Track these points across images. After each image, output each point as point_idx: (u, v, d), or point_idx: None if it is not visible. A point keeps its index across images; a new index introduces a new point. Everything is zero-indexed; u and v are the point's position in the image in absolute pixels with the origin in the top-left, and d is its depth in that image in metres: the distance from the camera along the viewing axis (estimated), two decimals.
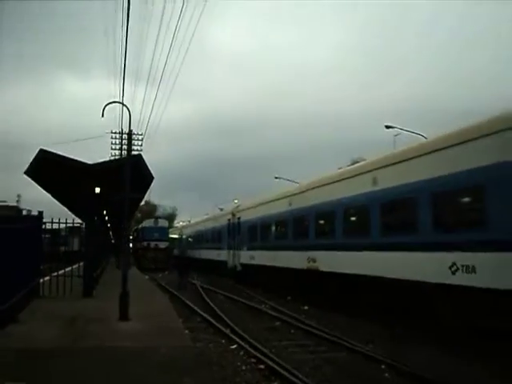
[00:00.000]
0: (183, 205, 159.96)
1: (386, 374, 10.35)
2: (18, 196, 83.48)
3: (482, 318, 12.22)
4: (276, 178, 60.83)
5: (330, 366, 10.98)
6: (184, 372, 8.84)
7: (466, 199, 13.15)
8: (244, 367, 10.42)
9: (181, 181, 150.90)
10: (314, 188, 21.85)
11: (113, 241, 59.58)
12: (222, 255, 38.81)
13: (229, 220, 37.16)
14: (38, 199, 31.28)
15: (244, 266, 32.82)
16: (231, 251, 35.77)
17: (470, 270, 12.29)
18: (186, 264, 33.40)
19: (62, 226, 19.59)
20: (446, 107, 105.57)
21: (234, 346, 12.57)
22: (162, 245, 52.82)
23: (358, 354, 12.07)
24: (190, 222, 79.64)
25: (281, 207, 25.61)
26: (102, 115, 14.90)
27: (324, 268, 20.33)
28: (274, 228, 27.09)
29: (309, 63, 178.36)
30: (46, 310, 15.24)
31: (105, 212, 32.38)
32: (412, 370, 10.31)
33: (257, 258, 29.74)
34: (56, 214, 19.59)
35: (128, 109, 15.29)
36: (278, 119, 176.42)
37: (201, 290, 27.75)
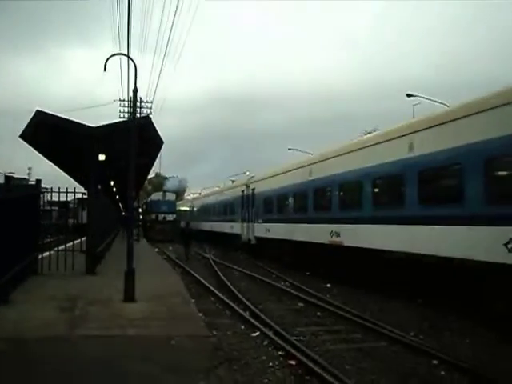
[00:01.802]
0: (193, 178, 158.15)
1: (442, 372, 8.59)
2: (29, 169, 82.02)
3: None
4: (290, 149, 58.89)
5: (371, 360, 9.24)
6: (199, 373, 7.19)
7: None
8: (271, 363, 8.67)
9: (190, 154, 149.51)
10: (338, 156, 19.93)
11: (123, 213, 58.78)
12: (235, 228, 37.11)
13: (242, 191, 35.40)
14: (48, 172, 29.77)
15: (259, 239, 31.12)
16: (245, 224, 34.06)
17: None
18: (189, 235, 33.01)
19: (69, 197, 17.98)
20: (466, 80, 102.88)
21: (256, 334, 10.85)
22: (170, 217, 54.47)
23: (400, 343, 10.33)
24: (200, 194, 78.13)
25: (300, 177, 23.75)
26: (105, 69, 13.07)
27: (349, 243, 18.56)
28: (292, 199, 25.27)
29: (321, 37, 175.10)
30: (42, 290, 13.66)
31: (112, 182, 30.75)
32: (472, 366, 8.58)
33: (273, 231, 28.00)
34: (69, 186, 17.93)
35: (134, 62, 13.46)
36: (290, 92, 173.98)
37: (214, 264, 26.10)
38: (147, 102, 41.89)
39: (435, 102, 36.90)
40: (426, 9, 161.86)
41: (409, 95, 40.12)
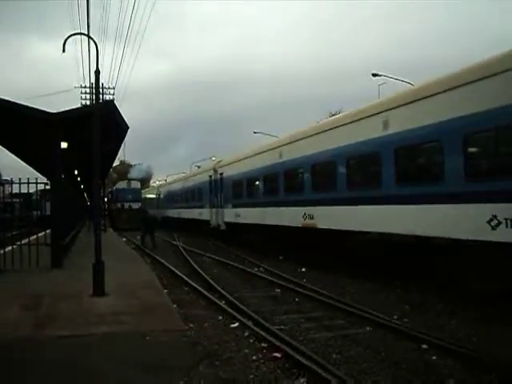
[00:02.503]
0: (159, 164, 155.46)
1: (434, 357, 8.18)
2: None
3: None
4: (255, 132, 58.86)
5: (358, 347, 8.77)
6: (179, 371, 6.66)
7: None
8: (254, 357, 8.11)
9: (156, 141, 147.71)
10: (310, 136, 19.38)
11: (88, 203, 57.70)
12: (204, 214, 36.42)
13: (210, 176, 34.69)
14: (9, 164, 28.65)
15: (229, 224, 30.52)
16: (214, 209, 33.40)
17: None
18: (152, 223, 32.18)
19: (34, 188, 17.12)
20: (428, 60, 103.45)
21: (236, 325, 10.28)
22: (136, 205, 53.73)
23: (385, 328, 9.92)
24: (166, 181, 77.22)
25: (270, 159, 23.15)
26: (64, 50, 12.26)
27: (323, 225, 18.12)
28: (262, 182, 24.65)
29: (283, 19, 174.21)
30: (5, 287, 12.88)
31: (77, 171, 29.77)
32: (463, 349, 8.21)
33: (243, 215, 27.43)
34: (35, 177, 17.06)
35: (94, 42, 12.67)
36: (252, 77, 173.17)
37: (184, 252, 25.44)
38: (109, 88, 40.64)
39: (401, 81, 36.93)
40: None
41: (374, 74, 40.04)
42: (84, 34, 14.12)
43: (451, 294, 12.43)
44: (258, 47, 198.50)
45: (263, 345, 8.75)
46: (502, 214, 10.43)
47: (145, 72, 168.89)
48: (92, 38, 13.37)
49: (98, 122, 12.36)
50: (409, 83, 31.25)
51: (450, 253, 12.60)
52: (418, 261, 14.02)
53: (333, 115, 40.95)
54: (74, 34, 13.08)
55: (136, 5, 38.65)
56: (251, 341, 9.11)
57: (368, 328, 10.07)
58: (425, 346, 8.68)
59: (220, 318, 11.05)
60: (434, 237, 12.88)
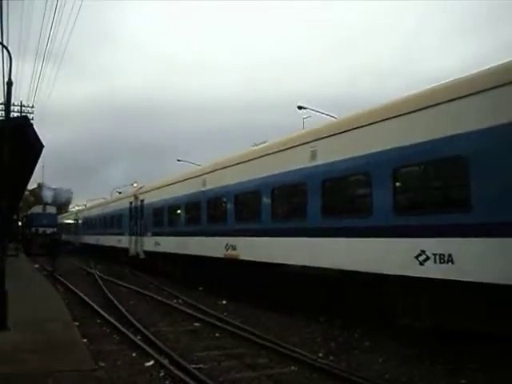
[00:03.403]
0: (79, 189, 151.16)
1: None
2: None
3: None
4: (179, 160, 57.66)
5: None
6: None
7: (443, 171, 10.74)
8: None
9: (76, 165, 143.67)
10: (233, 165, 18.92)
11: None
12: (122, 241, 35.17)
13: (130, 203, 33.63)
14: None
15: (148, 253, 29.52)
16: (133, 237, 32.31)
17: (446, 259, 9.94)
18: (55, 245, 32.27)
19: None
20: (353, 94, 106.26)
21: (151, 363, 9.49)
22: (51, 230, 52.57)
23: (311, 367, 9.40)
24: (85, 206, 75.03)
25: (192, 188, 22.49)
26: None
27: (246, 256, 17.57)
28: (184, 211, 23.94)
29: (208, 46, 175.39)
30: None
31: None
32: None
33: (163, 244, 26.56)
34: None
35: (7, 49, 11.75)
36: (177, 104, 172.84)
37: (100, 281, 24.22)
38: (28, 106, 38.85)
39: (326, 114, 37.25)
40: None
41: (300, 107, 40.13)
42: None
43: (378, 330, 12.16)
44: (187, 74, 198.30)
45: None
46: (430, 249, 10.24)
47: (70, 92, 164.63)
48: (4, 46, 12.40)
49: (8, 138, 11.42)
50: (333, 117, 31.50)
51: (377, 288, 12.33)
52: (344, 296, 13.73)
53: (256, 145, 40.78)
54: None
55: (57, 18, 37.31)
56: (167, 382, 8.39)
57: (293, 367, 9.54)
58: None
59: (134, 354, 10.25)
60: (362, 272, 12.55)
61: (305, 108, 40.09)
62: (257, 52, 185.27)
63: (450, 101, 10.15)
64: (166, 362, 9.44)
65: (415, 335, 11.12)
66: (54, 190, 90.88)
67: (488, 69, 9.96)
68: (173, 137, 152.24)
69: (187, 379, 8.22)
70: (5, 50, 11.94)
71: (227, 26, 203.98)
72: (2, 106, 37.85)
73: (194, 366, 9.24)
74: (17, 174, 14.66)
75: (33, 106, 40.53)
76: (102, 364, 9.15)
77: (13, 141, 11.90)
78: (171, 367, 9.00)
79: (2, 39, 13.90)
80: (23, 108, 37.79)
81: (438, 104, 10.37)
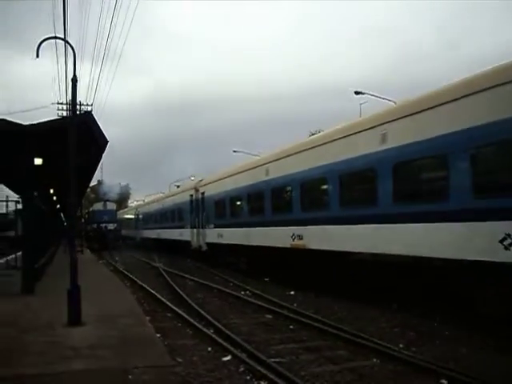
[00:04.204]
0: (136, 185, 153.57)
1: None
2: None
3: None
4: (234, 151, 57.75)
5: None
6: None
7: None
8: None
9: (132, 161, 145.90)
10: (298, 152, 18.48)
11: (65, 223, 57.39)
12: (184, 234, 35.25)
13: (191, 196, 33.64)
14: None
15: (211, 245, 29.44)
16: (195, 230, 32.30)
17: None
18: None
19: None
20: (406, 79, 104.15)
21: (228, 358, 9.19)
22: (111, 226, 56.14)
23: (395, 360, 8.90)
24: (144, 201, 76.26)
25: (255, 178, 22.19)
26: (37, 55, 11.24)
27: (313, 246, 17.14)
28: (247, 202, 23.65)
29: (264, 37, 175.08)
30: None
31: (52, 190, 28.49)
32: None
33: (226, 236, 26.38)
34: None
35: (72, 47, 11.66)
36: (233, 95, 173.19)
37: (165, 274, 24.23)
38: (87, 105, 39.29)
39: (384, 99, 36.34)
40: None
41: (357, 92, 39.39)
42: (60, 38, 13.01)
43: (456, 319, 11.57)
44: (240, 66, 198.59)
45: (263, 383, 7.69)
46: None
47: (123, 90, 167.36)
48: (69, 43, 12.37)
49: (75, 135, 11.34)
50: (392, 101, 30.65)
51: (456, 275, 11.72)
52: (418, 284, 13.18)
53: (312, 134, 40.09)
54: (50, 38, 12.01)
55: (114, 20, 37.52)
56: (248, 378, 8.04)
57: (375, 360, 9.08)
58: (444, 382, 7.72)
59: (209, 349, 9.95)
60: (438, 258, 11.94)
61: (362, 93, 39.31)
62: (321, 39, 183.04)
63: None
64: (244, 356, 9.11)
65: (496, 325, 10.46)
66: (121, 190, 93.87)
67: None
68: (226, 129, 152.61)
69: (268, 374, 7.86)
70: (69, 47, 11.84)
71: (273, 15, 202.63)
72: (61, 105, 38.60)
73: (272, 360, 8.89)
74: (83, 171, 14.65)
75: (91, 105, 40.92)
76: (179, 359, 8.89)
77: (79, 137, 11.83)
78: (250, 361, 8.67)
79: (65, 36, 13.73)
80: (82, 106, 38.05)
81: None
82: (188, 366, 8.60)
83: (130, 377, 7.27)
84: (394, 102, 25.45)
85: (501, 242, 9.85)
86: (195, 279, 22.32)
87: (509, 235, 9.71)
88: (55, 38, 12.81)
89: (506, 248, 9.77)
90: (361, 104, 44.20)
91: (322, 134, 18.24)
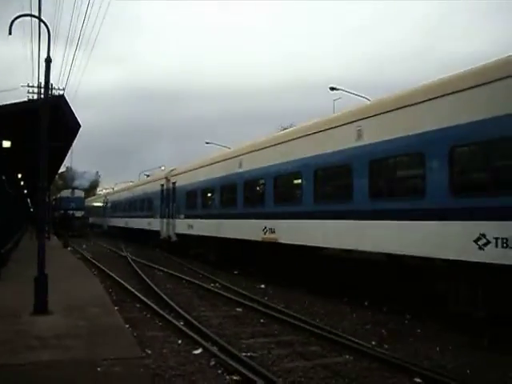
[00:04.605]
0: (106, 173, 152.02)
1: None
2: None
3: None
4: (207, 143, 57.39)
5: (344, 382, 7.68)
6: None
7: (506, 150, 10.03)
8: None
9: (103, 148, 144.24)
10: (273, 145, 18.33)
11: (31, 209, 56.78)
12: (153, 224, 34.86)
13: (162, 185, 33.28)
14: None
15: (180, 236, 29.16)
16: (165, 220, 31.98)
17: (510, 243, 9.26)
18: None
19: None
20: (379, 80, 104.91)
21: (199, 351, 9.03)
22: (79, 213, 56.27)
23: (368, 357, 8.84)
24: (113, 189, 75.49)
25: (228, 169, 21.98)
26: (10, 32, 10.84)
27: (286, 240, 17.02)
28: (219, 193, 23.41)
29: (239, 30, 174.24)
30: None
31: (20, 175, 27.86)
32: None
33: (196, 227, 26.14)
34: None
35: (46, 25, 11.26)
36: (204, 88, 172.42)
37: (133, 263, 23.90)
38: (59, 89, 38.49)
39: (359, 96, 36.37)
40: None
41: (332, 88, 39.35)
42: (34, 16, 12.53)
43: (427, 317, 11.61)
44: (212, 58, 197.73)
45: (235, 378, 7.53)
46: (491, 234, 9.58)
47: (95, 77, 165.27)
48: (43, 21, 11.91)
49: (46, 117, 11.00)
50: (366, 98, 30.70)
51: (429, 274, 11.76)
52: (390, 281, 13.21)
53: (284, 129, 39.95)
54: (24, 16, 11.59)
55: (89, 5, 36.76)
56: (219, 371, 7.89)
57: (348, 356, 9.01)
58: (418, 380, 7.67)
59: (180, 341, 9.76)
60: (412, 256, 11.94)
61: (337, 89, 39.30)
62: (295, 34, 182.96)
63: None
64: (215, 349, 8.96)
65: (467, 323, 10.51)
66: (91, 177, 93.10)
67: None
68: (198, 121, 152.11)
69: (241, 369, 7.71)
70: (43, 26, 11.41)
71: (249, 12, 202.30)
72: (32, 88, 37.79)
73: (244, 354, 8.76)
74: (53, 155, 14.25)
75: (63, 89, 40.12)
76: (149, 351, 8.71)
77: (50, 120, 11.47)
78: (221, 355, 8.51)
79: (40, 14, 13.31)
80: (54, 91, 37.29)
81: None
82: (158, 358, 8.42)
83: (98, 369, 7.05)
84: (368, 99, 25.48)
85: (475, 241, 9.85)
86: (164, 270, 22.07)
87: (483, 235, 9.71)
88: (29, 15, 12.38)
89: (481, 248, 9.77)
90: (334, 100, 44.32)
91: (297, 127, 18.03)
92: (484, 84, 10.10)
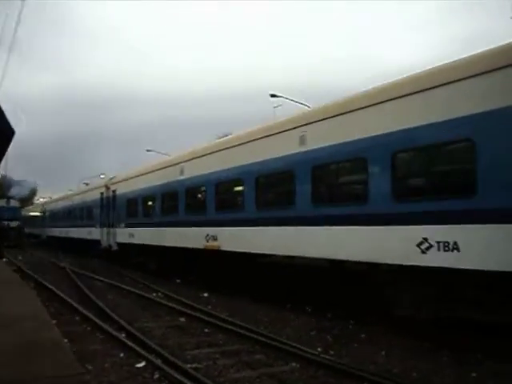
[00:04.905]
0: (44, 182, 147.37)
1: None
2: None
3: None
4: (148, 150, 56.81)
5: None
6: None
7: (446, 155, 10.22)
8: None
9: (41, 156, 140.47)
10: (214, 152, 18.18)
11: None
12: (93, 233, 34.08)
13: (102, 194, 32.59)
14: None
15: (121, 245, 28.57)
16: (105, 229, 31.29)
17: (451, 247, 9.40)
18: None
19: None
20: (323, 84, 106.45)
21: (142, 365, 8.77)
22: (14, 224, 53.99)
23: (315, 364, 8.81)
24: (51, 198, 73.76)
25: (169, 177, 21.69)
26: None
27: (228, 247, 16.89)
28: (160, 201, 23.05)
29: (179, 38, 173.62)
30: None
31: None
32: None
33: (137, 236, 25.67)
34: None
35: None
36: (144, 94, 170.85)
37: (73, 275, 23.20)
38: None
39: (299, 103, 36.65)
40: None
41: (273, 95, 39.44)
42: None
43: (371, 322, 11.70)
44: (148, 65, 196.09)
45: None
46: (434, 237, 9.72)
47: (28, 84, 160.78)
48: None
49: None
50: (307, 105, 30.98)
51: (373, 279, 11.84)
52: (334, 286, 13.30)
53: (220, 137, 39.90)
54: None
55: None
56: None
57: (294, 364, 8.93)
58: None
59: (122, 355, 9.47)
60: (355, 261, 12.01)
61: (278, 96, 39.43)
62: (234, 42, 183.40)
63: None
64: (158, 362, 8.72)
65: (411, 326, 10.65)
66: (28, 185, 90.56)
67: None
68: (139, 127, 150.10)
69: (186, 381, 7.51)
70: None
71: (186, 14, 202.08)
72: None
73: (189, 365, 8.55)
74: None
75: None
76: (89, 367, 8.39)
77: None
78: (166, 368, 8.28)
79: None
80: None
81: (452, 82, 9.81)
82: (99, 373, 8.13)
83: None
84: (309, 107, 25.69)
85: (418, 245, 9.97)
86: (105, 280, 21.53)
87: (426, 239, 9.85)
88: None
89: (423, 252, 9.90)
90: (275, 107, 44.45)
91: (239, 134, 17.92)
92: (420, 91, 10.30)
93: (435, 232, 9.69)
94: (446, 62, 10.21)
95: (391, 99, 10.93)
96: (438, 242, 9.57)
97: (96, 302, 15.14)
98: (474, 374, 8.28)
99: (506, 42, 9.20)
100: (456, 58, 10.07)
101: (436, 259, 9.60)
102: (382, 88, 11.59)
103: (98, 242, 32.75)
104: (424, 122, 10.07)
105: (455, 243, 9.27)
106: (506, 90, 8.85)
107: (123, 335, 10.94)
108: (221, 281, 18.13)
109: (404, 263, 10.35)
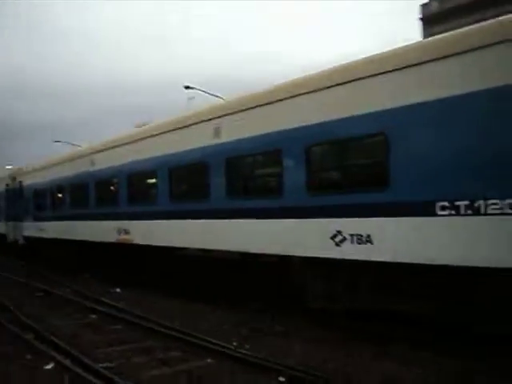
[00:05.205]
0: None
1: None
2: None
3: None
4: (56, 141, 54.47)
5: None
6: None
7: (360, 149, 10.37)
8: None
9: None
10: (127, 143, 17.67)
11: None
12: None
13: (7, 185, 31.10)
14: None
15: (29, 239, 27.42)
16: (11, 222, 29.92)
17: (364, 239, 9.57)
18: None
19: None
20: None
21: (51, 366, 8.39)
22: None
23: (231, 359, 8.75)
24: None
25: (80, 168, 20.94)
26: None
27: (140, 241, 16.53)
28: (70, 193, 22.25)
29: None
30: None
31: None
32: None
33: (47, 229, 24.68)
34: None
35: None
36: (51, 84, 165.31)
37: None
38: None
39: (213, 95, 36.41)
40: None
41: (187, 87, 38.97)
42: None
43: (288, 314, 11.74)
44: (60, 50, 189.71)
45: None
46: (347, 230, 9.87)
47: None
48: None
49: None
50: (220, 97, 30.84)
51: (288, 271, 11.94)
52: (249, 280, 13.32)
53: (138, 126, 39.16)
54: None
55: None
56: None
57: (209, 360, 8.83)
58: (282, 379, 7.66)
59: (29, 356, 9.04)
60: (269, 254, 12.04)
61: (192, 88, 39.01)
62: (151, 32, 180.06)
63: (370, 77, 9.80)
64: (68, 362, 8.38)
65: (328, 318, 10.79)
66: None
67: None
68: (47, 119, 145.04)
69: (97, 382, 7.24)
70: None
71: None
72: None
73: (101, 365, 8.27)
74: None
75: None
76: None
77: None
78: (75, 369, 7.96)
79: None
80: None
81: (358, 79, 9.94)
82: (4, 378, 7.69)
83: None
84: (223, 99, 25.56)
85: (332, 238, 10.08)
86: (9, 276, 20.62)
87: (339, 232, 9.96)
88: None
89: (337, 244, 10.01)
90: (189, 99, 43.96)
91: (152, 125, 17.50)
92: (332, 87, 10.39)
93: (349, 225, 9.82)
94: (355, 59, 10.32)
95: (306, 93, 10.95)
96: (352, 235, 9.69)
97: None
98: (391, 364, 8.40)
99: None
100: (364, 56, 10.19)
101: (350, 252, 9.73)
102: (297, 81, 11.59)
103: (3, 236, 31.27)
104: (338, 117, 10.15)
105: (368, 236, 9.44)
106: (411, 88, 9.07)
107: (30, 335, 10.45)
108: (134, 275, 17.75)
109: (318, 255, 10.43)
